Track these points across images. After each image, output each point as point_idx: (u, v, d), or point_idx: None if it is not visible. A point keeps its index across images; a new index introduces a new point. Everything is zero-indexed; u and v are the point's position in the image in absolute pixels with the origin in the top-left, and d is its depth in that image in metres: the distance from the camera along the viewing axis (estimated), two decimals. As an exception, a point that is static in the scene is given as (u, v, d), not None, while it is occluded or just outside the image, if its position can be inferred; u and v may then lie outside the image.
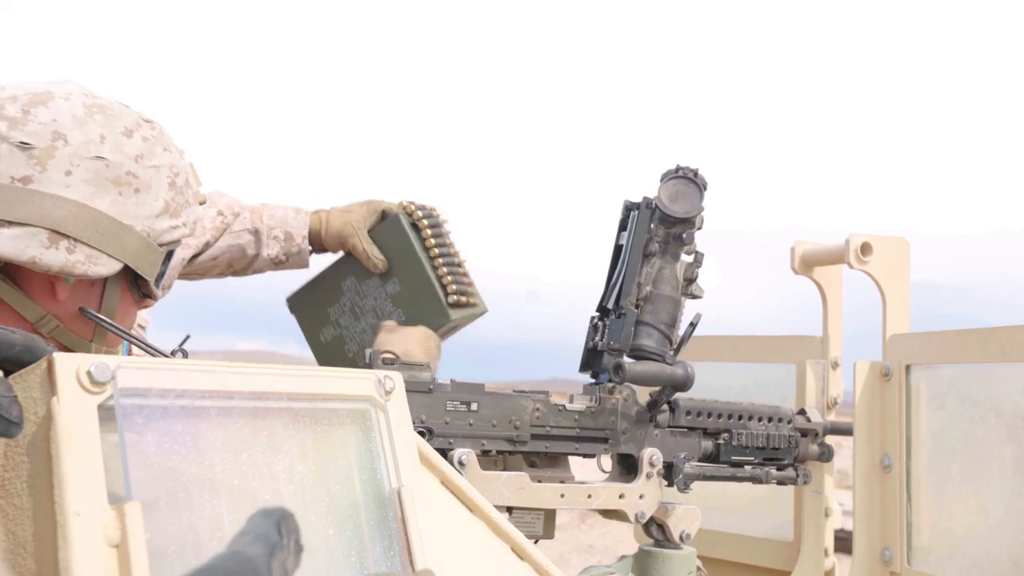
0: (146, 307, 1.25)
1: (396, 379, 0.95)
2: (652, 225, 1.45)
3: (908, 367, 1.69)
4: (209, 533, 0.76)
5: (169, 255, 1.17)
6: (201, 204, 1.24)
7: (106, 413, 0.73)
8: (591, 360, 1.47)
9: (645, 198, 1.46)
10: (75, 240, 1.05)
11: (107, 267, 1.08)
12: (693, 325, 1.45)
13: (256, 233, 1.78)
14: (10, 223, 1.03)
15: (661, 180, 1.46)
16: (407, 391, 1.14)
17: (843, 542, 1.91)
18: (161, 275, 1.17)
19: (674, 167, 1.46)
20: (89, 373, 0.73)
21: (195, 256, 1.74)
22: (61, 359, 0.73)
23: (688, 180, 1.45)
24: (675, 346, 1.45)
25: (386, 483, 0.91)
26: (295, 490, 0.84)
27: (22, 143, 1.04)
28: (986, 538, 1.55)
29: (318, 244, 1.86)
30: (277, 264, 1.83)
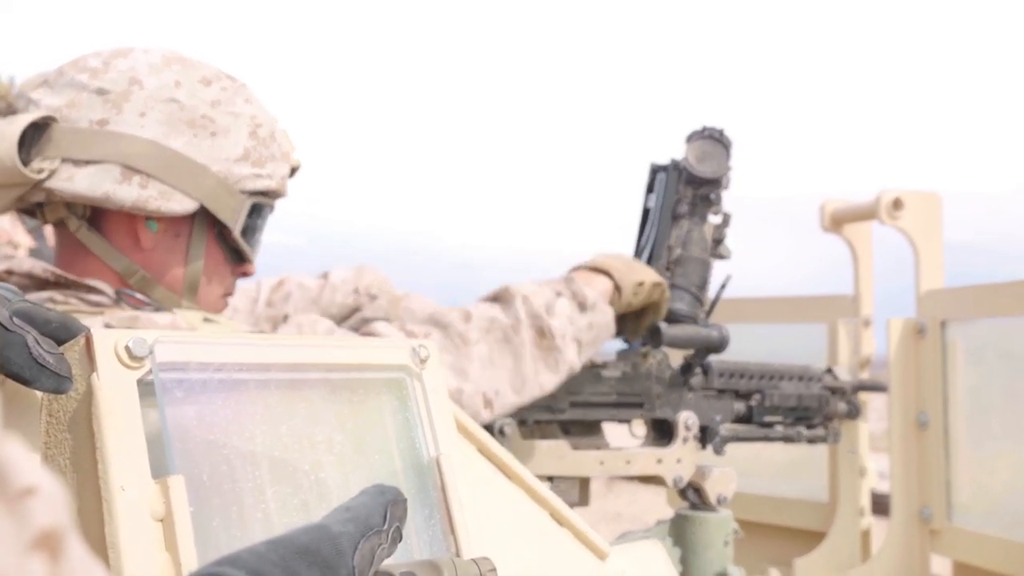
0: (245, 275, 1.23)
1: (431, 347, 0.95)
2: (680, 187, 1.43)
3: (943, 323, 1.66)
4: (253, 504, 0.75)
5: (257, 209, 1.16)
6: (294, 169, 1.22)
7: (145, 388, 0.73)
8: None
9: (672, 160, 1.43)
10: (148, 176, 1.07)
11: (181, 204, 1.09)
12: (723, 287, 1.44)
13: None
14: (87, 162, 1.06)
15: (687, 141, 1.44)
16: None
17: (877, 504, 1.90)
18: (252, 231, 1.17)
19: (700, 127, 1.44)
20: (128, 348, 0.72)
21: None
22: (99, 334, 0.72)
23: (715, 140, 1.43)
24: (706, 308, 1.43)
25: (424, 452, 0.90)
26: (335, 460, 0.83)
27: (100, 89, 1.08)
28: (1027, 493, 1.53)
29: None
30: None
